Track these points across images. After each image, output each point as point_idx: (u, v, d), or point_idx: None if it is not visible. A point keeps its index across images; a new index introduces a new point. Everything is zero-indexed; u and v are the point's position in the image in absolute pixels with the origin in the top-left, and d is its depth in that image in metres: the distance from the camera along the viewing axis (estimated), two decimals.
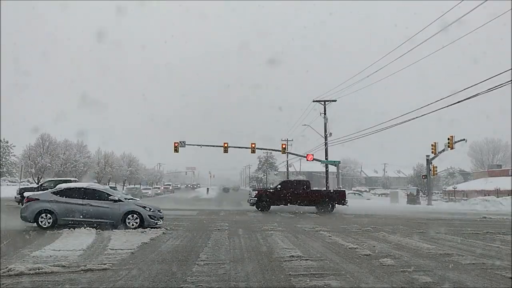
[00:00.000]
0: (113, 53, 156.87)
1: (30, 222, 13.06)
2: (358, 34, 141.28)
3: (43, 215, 12.88)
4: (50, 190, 14.18)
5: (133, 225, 13.01)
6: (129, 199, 14.63)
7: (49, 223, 12.84)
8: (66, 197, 13.25)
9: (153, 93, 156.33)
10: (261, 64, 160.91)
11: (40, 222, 12.85)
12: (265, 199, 23.68)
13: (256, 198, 23.75)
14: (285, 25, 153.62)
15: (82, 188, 13.90)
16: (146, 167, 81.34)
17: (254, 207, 23.74)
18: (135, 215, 13.15)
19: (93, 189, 13.88)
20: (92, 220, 13.06)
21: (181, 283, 6.07)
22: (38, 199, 13.27)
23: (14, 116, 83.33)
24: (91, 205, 13.14)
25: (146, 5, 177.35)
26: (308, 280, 6.33)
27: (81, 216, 12.99)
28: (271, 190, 25.02)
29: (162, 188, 66.93)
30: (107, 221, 13.07)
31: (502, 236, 12.85)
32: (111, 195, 13.51)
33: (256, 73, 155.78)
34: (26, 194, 14.63)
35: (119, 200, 13.42)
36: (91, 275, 6.49)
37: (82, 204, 13.10)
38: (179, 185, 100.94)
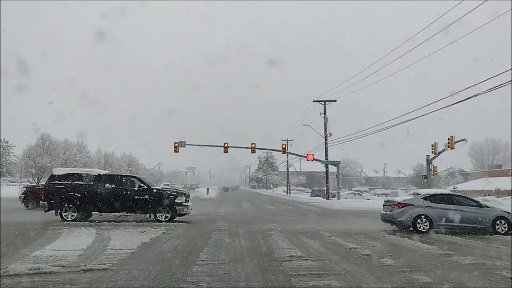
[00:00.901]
0: (113, 53, 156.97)
1: (408, 226, 13.34)
2: (358, 34, 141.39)
3: (420, 219, 13.19)
4: (419, 196, 14.22)
5: (502, 230, 13.14)
6: None
7: (425, 228, 13.11)
8: (435, 202, 13.56)
9: (153, 93, 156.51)
10: (261, 64, 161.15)
11: (417, 227, 13.14)
12: (33, 197, 19.91)
13: (23, 196, 20.79)
14: (285, 25, 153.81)
15: (448, 193, 14.26)
16: (146, 167, 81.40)
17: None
18: (503, 221, 13.28)
19: (459, 195, 14.14)
20: (464, 225, 13.30)
21: (181, 283, 6.07)
22: (413, 205, 13.54)
23: (14, 116, 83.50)
24: (461, 211, 13.34)
25: (146, 5, 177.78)
26: (308, 280, 6.33)
27: (453, 221, 13.19)
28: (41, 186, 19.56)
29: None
30: (479, 226, 13.31)
31: (502, 236, 12.87)
32: (478, 201, 13.86)
33: (256, 73, 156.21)
34: (397, 199, 14.82)
35: (486, 206, 13.69)
36: (91, 275, 6.48)
37: (453, 210, 13.32)
38: (176, 186, 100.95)
